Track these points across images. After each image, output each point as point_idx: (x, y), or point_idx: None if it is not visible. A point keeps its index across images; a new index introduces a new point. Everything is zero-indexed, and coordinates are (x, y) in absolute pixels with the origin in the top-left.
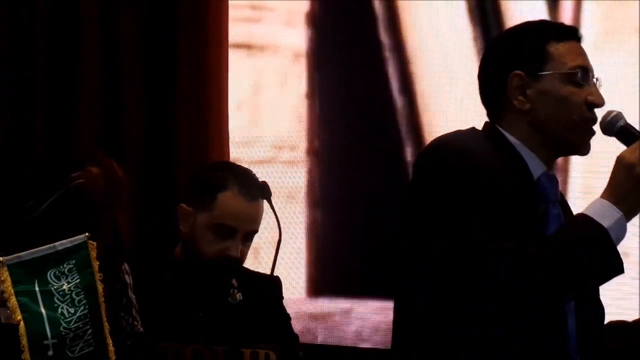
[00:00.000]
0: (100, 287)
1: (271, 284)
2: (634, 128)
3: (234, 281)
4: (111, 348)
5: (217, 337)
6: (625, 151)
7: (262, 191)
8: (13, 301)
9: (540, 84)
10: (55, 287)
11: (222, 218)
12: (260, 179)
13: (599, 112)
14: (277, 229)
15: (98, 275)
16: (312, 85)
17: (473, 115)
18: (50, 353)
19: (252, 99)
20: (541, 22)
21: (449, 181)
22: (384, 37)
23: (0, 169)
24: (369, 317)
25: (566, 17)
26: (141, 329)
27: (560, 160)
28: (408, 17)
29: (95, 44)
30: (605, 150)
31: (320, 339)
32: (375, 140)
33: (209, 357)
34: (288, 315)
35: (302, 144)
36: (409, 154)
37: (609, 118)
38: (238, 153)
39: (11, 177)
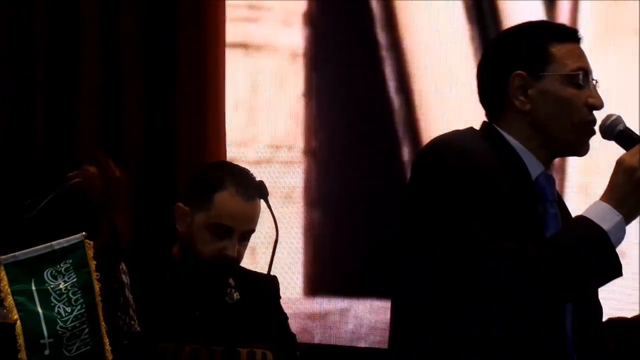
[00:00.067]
0: (97, 286)
1: (268, 284)
2: (633, 132)
3: (231, 281)
4: (108, 347)
5: (215, 337)
6: (625, 155)
7: (259, 191)
8: (9, 300)
9: (541, 84)
10: (52, 286)
11: (219, 218)
12: (257, 179)
13: (598, 114)
14: (274, 229)
15: (95, 275)
16: (310, 85)
17: (471, 114)
18: (46, 352)
19: (250, 99)
20: (542, 23)
21: (448, 181)
22: (382, 36)
23: (0, 169)
24: (366, 316)
25: (563, 17)
26: (138, 329)
27: (556, 159)
28: (405, 17)
29: (95, 44)
30: (601, 150)
31: (317, 339)
32: (373, 140)
33: (206, 357)
34: (285, 314)
35: (299, 143)
36: (406, 153)
37: (608, 122)
38: (235, 153)
39: (11, 177)
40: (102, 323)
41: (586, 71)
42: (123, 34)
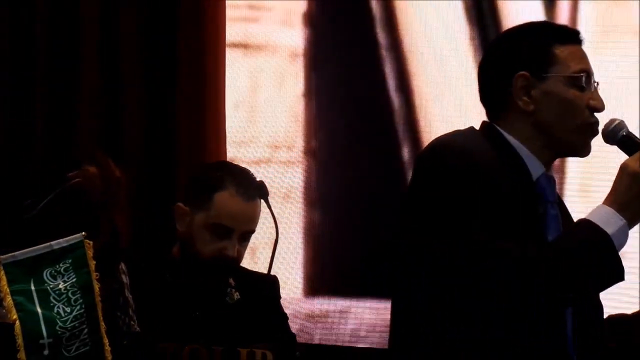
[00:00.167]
0: (96, 286)
1: (268, 284)
2: (635, 137)
3: (231, 281)
4: (107, 347)
5: (215, 337)
6: (629, 159)
7: (259, 191)
8: (8, 300)
9: (544, 85)
10: (51, 286)
11: (219, 218)
12: (257, 179)
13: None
14: (274, 229)
15: (94, 275)
16: (309, 85)
17: (471, 114)
18: (46, 352)
19: (249, 99)
20: (545, 24)
21: (449, 181)
22: (381, 36)
23: (0, 169)
24: (365, 317)
25: (563, 17)
26: (137, 329)
27: (556, 160)
28: (405, 17)
29: (95, 44)
30: (601, 151)
31: (316, 339)
32: (373, 140)
33: (206, 357)
34: (286, 315)
35: (299, 143)
36: (406, 153)
37: (611, 127)
38: (235, 153)
39: (11, 177)
40: (102, 323)
41: (588, 73)
42: (123, 34)
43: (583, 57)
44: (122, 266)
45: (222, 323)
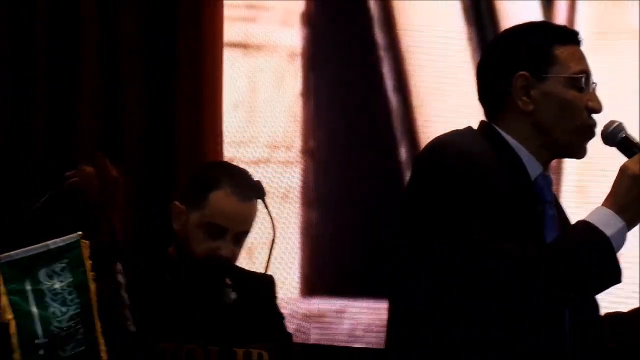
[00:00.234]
0: (92, 286)
1: (265, 284)
2: (635, 139)
3: (228, 280)
4: (103, 348)
5: (212, 337)
6: (628, 161)
7: (256, 191)
8: (4, 300)
9: (544, 86)
10: (47, 286)
11: (213, 217)
12: (256, 179)
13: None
14: (272, 229)
15: (91, 275)
16: (308, 85)
17: (468, 114)
18: (41, 352)
19: (248, 99)
20: (545, 24)
21: (448, 182)
22: (380, 36)
23: (0, 169)
24: (362, 317)
25: (560, 17)
26: (134, 329)
27: (553, 160)
28: (403, 17)
29: (96, 44)
30: (598, 152)
31: (313, 339)
32: (371, 140)
33: (202, 357)
34: (282, 314)
35: (297, 143)
36: (404, 153)
37: (611, 128)
38: (234, 153)
39: (11, 177)
40: (98, 323)
41: (587, 74)
42: (123, 34)
43: (582, 58)
44: (119, 266)
45: (218, 323)
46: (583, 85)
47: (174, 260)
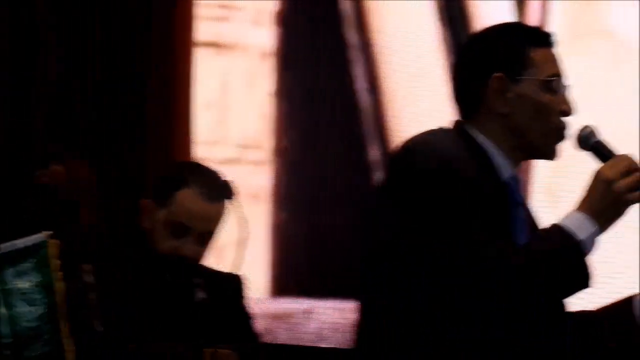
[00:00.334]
0: (59, 286)
1: (234, 283)
2: (608, 144)
3: (196, 279)
4: (69, 348)
5: (180, 336)
6: (603, 167)
7: (225, 192)
8: None
9: (518, 88)
10: (14, 285)
11: (178, 215)
12: (225, 179)
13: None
14: (242, 229)
15: (58, 274)
16: (279, 85)
17: (442, 114)
18: (7, 352)
19: (220, 98)
20: (519, 25)
21: (427, 182)
22: (352, 37)
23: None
24: (329, 317)
25: (533, 18)
26: (101, 329)
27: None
28: (376, 17)
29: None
30: (568, 153)
31: (281, 339)
32: (342, 141)
33: (170, 356)
34: (251, 314)
35: (268, 143)
36: (375, 154)
37: (584, 133)
38: (205, 152)
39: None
40: (64, 323)
41: (561, 77)
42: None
43: (556, 60)
44: (88, 266)
45: (187, 322)
46: (556, 88)
47: (142, 259)
